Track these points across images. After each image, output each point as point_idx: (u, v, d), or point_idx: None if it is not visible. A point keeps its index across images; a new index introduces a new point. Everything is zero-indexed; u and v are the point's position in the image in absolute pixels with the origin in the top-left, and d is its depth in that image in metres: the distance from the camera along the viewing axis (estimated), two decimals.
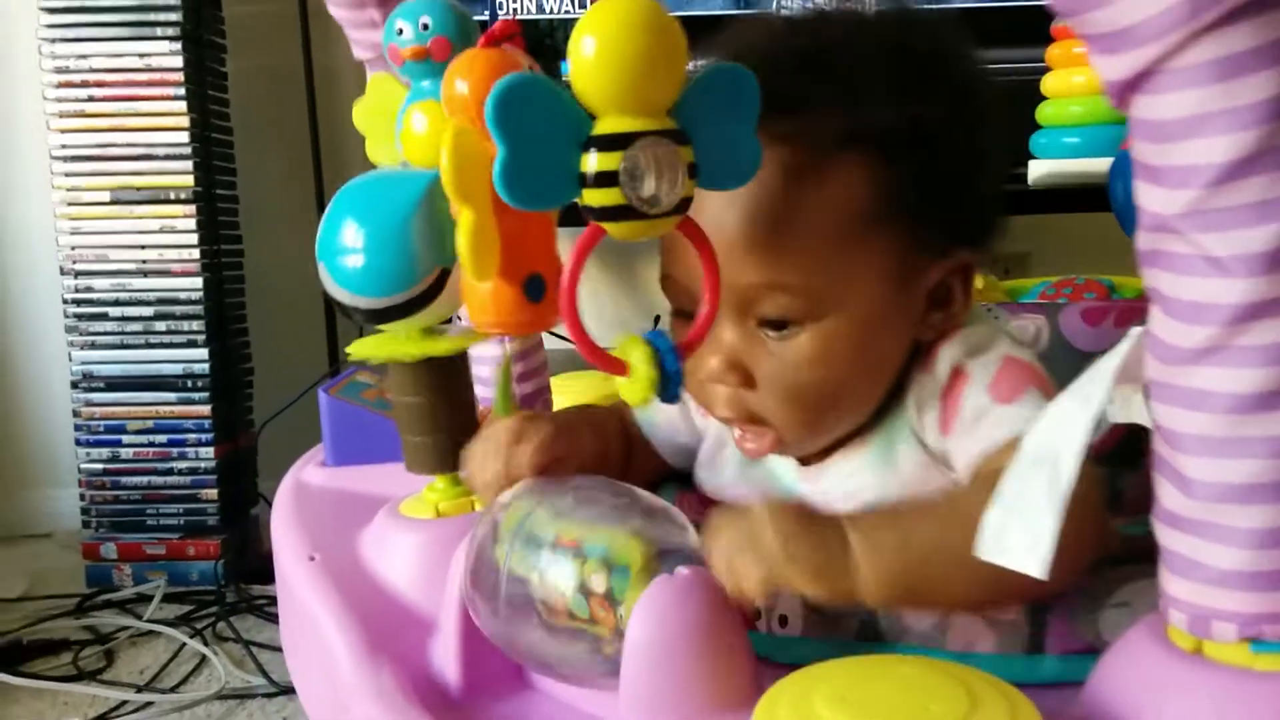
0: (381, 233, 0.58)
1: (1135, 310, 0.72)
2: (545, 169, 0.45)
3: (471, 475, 0.58)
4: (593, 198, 0.45)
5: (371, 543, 0.64)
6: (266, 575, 1.68)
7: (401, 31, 0.63)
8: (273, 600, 1.61)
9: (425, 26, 0.62)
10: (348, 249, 0.58)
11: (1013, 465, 0.43)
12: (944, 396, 0.56)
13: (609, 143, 0.45)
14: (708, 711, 0.45)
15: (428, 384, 0.61)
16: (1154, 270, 0.39)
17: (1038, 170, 1.35)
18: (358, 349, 0.62)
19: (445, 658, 0.56)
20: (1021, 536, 0.41)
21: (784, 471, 0.62)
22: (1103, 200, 1.01)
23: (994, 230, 0.60)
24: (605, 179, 0.45)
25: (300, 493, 0.73)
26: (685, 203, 0.46)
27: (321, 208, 1.82)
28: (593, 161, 0.45)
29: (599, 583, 0.47)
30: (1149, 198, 0.38)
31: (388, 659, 0.55)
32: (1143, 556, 0.46)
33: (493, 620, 0.51)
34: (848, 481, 0.59)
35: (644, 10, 0.44)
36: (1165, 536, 0.41)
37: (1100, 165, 1.27)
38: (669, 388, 0.49)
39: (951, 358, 0.57)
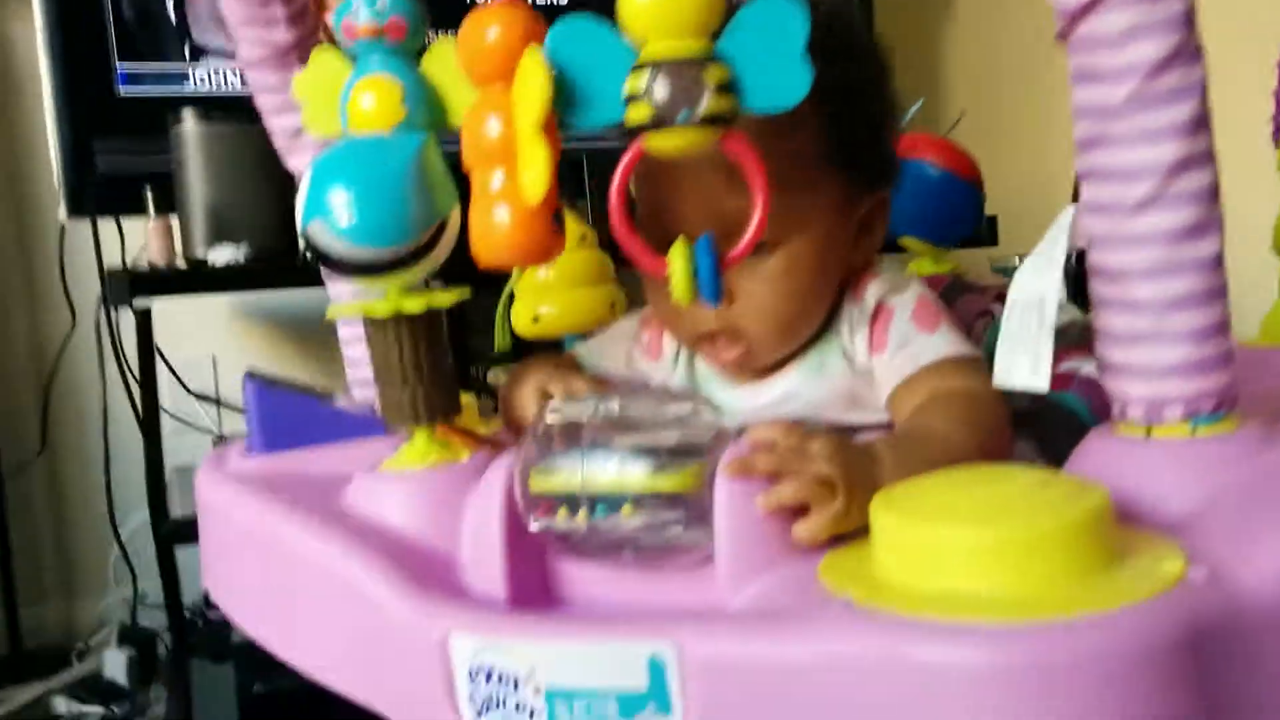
0: (384, 186, 0.60)
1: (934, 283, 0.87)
2: (593, 91, 0.53)
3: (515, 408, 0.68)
4: (631, 114, 0.52)
5: (364, 500, 0.63)
6: None
7: (358, 11, 0.65)
8: None
9: (382, 8, 0.65)
10: (346, 206, 0.59)
11: (1007, 312, 0.55)
12: (871, 324, 0.70)
13: (642, 66, 0.52)
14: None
15: (414, 337, 0.63)
16: (1094, 151, 0.53)
17: None
18: (336, 310, 0.62)
19: (488, 580, 0.58)
20: (1025, 362, 0.53)
21: (722, 393, 0.72)
22: None
23: (897, 173, 0.75)
24: (638, 97, 0.52)
25: (240, 478, 0.69)
26: (720, 119, 0.52)
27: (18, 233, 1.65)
28: (628, 83, 0.52)
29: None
30: (1091, 95, 0.52)
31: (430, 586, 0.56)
32: None
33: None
34: (785, 391, 0.71)
35: None
36: (1119, 354, 0.54)
37: None
38: (706, 288, 0.56)
39: (876, 293, 0.71)
